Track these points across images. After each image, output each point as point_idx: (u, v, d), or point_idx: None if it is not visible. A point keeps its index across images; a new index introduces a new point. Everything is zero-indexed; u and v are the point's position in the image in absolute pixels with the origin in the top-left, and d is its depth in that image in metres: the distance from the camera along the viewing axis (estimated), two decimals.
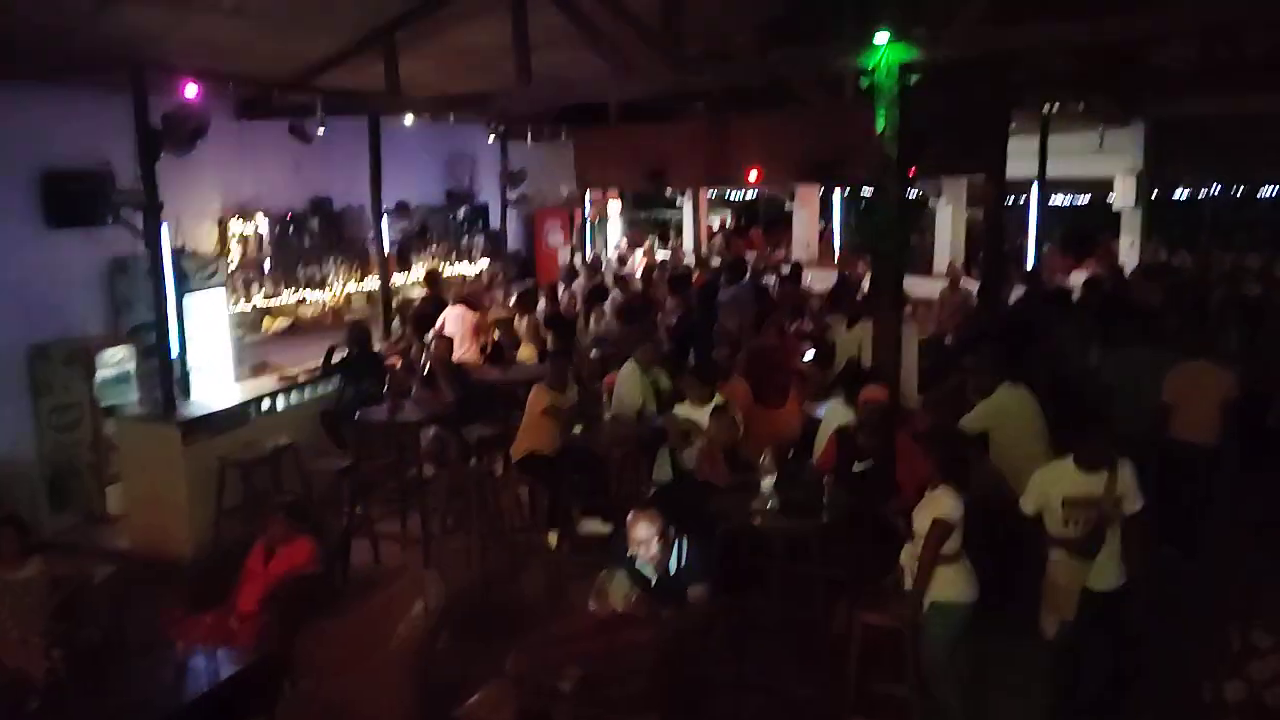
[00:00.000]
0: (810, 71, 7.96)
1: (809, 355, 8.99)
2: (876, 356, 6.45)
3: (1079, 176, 13.41)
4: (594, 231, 17.34)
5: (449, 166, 13.64)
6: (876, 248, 6.60)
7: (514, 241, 14.99)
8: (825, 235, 17.17)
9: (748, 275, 11.85)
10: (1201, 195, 15.24)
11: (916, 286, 12.56)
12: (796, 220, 16.98)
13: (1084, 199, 16.95)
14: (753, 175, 10.66)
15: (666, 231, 20.65)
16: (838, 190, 15.14)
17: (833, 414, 6.45)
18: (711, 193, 20.99)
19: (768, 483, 5.44)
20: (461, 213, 13.86)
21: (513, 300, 11.16)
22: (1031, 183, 12.20)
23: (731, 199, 23.98)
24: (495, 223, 13.83)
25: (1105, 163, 12.76)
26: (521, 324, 10.11)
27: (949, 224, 14.53)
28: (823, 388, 8.23)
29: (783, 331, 8.78)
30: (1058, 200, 16.90)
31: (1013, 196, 14.50)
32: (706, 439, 6.22)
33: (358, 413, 7.48)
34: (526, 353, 9.84)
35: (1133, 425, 6.24)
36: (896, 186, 6.17)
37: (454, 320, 9.82)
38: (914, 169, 6.84)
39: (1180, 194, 15.13)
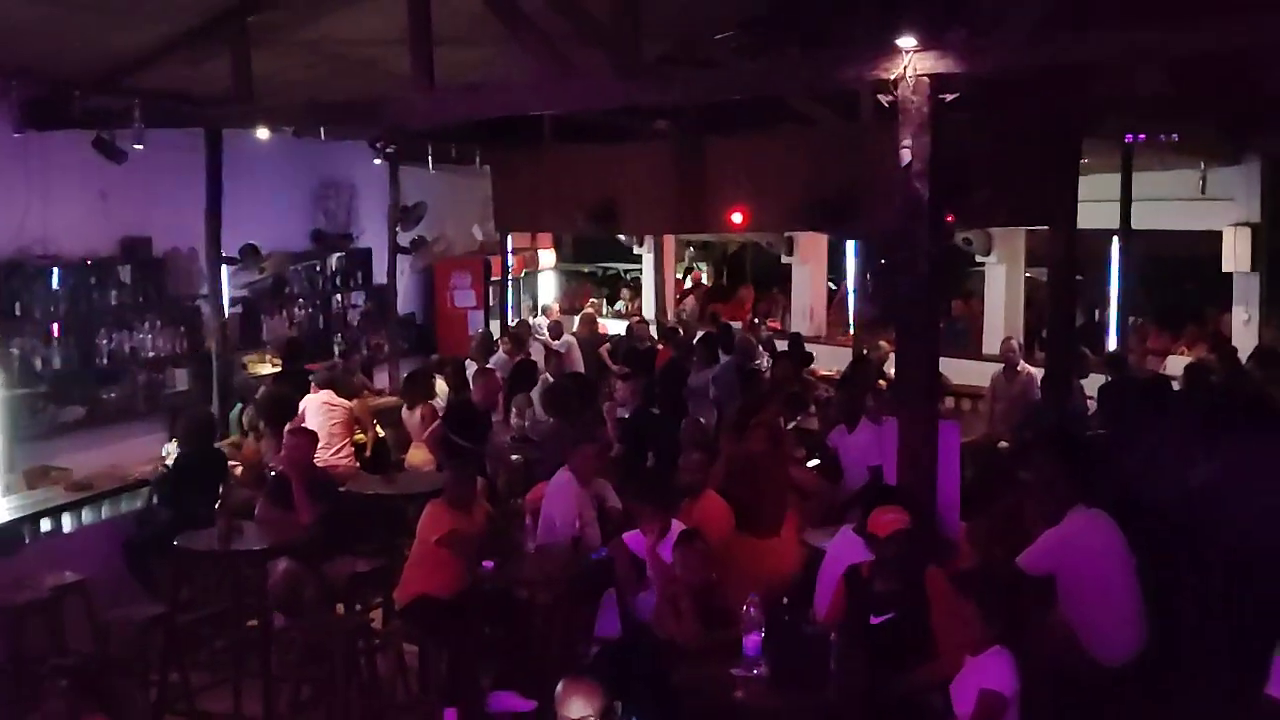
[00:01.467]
0: (811, 84, 8.18)
1: (812, 464, 9.09)
2: (902, 468, 6.56)
3: (1175, 228, 13.90)
4: (518, 290, 17.52)
5: (317, 199, 13.81)
6: (902, 320, 6.76)
7: (407, 302, 15.09)
8: (836, 300, 17.51)
9: (730, 352, 12.04)
10: None
11: (960, 372, 12.82)
12: (797, 279, 17.33)
13: (1183, 258, 17.51)
14: (736, 219, 10.92)
15: (618, 291, 20.93)
16: (850, 242, 15.48)
17: (843, 546, 6.49)
18: (683, 239, 21.39)
19: (753, 642, 5.44)
20: (334, 262, 13.97)
21: (401, 383, 11.19)
22: (1112, 236, 12.59)
23: (711, 245, 24.41)
24: (381, 276, 13.95)
25: (1209, 212, 13.20)
26: (413, 416, 10.13)
27: (1002, 289, 14.91)
28: (831, 510, 8.32)
29: (777, 431, 8.87)
30: (1148, 260, 17.39)
31: (1087, 255, 14.91)
32: (668, 581, 6.22)
33: (176, 539, 7.39)
34: (419, 456, 9.82)
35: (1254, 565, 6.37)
36: (928, 239, 6.35)
37: (318, 410, 9.82)
38: (953, 215, 7.03)
39: None
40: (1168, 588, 6.79)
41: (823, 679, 5.33)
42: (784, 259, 17.28)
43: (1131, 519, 6.53)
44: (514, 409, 10.74)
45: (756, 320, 16.41)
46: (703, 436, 8.76)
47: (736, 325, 16.31)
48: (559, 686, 4.21)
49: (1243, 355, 11.74)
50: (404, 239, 13.54)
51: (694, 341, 12.72)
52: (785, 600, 5.84)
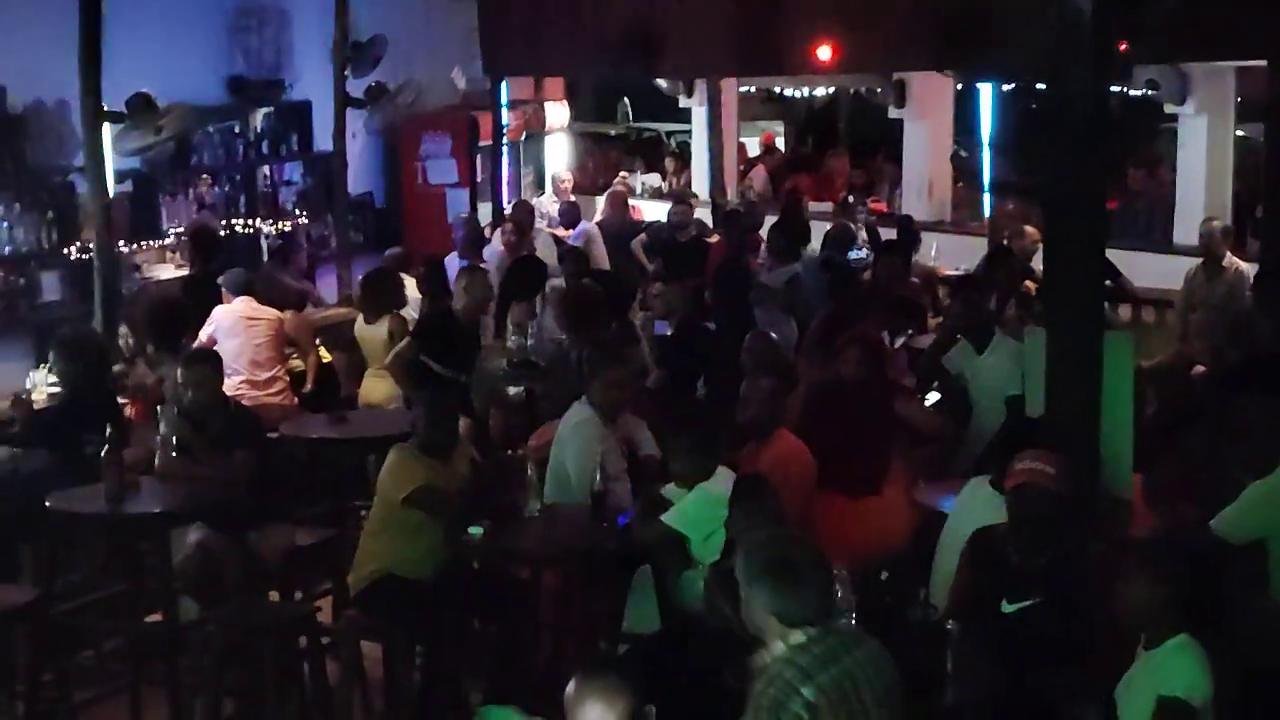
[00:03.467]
0: None
1: (930, 399, 9.12)
2: (1054, 401, 6.61)
3: None
4: (518, 160, 17.54)
5: (234, 33, 13.82)
6: (1054, 196, 6.79)
7: (361, 177, 15.14)
8: (964, 170, 17.44)
9: (814, 243, 12.03)
10: None
11: (1141, 270, 12.77)
12: (910, 141, 17.27)
13: None
14: (823, 54, 10.90)
15: (659, 159, 20.91)
16: (985, 86, 15.34)
17: (971, 506, 6.58)
18: (747, 87, 21.30)
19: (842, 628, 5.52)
20: (258, 121, 14.02)
21: (356, 289, 11.31)
22: None
23: (787, 98, 24.28)
24: (325, 140, 14.02)
25: None
26: (372, 333, 10.25)
27: (1202, 153, 14.78)
28: (954, 459, 8.38)
29: (879, 352, 8.93)
30: None
31: None
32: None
33: (47, 500, 7.52)
34: (380, 388, 9.93)
35: None
36: (1092, 77, 6.36)
37: (234, 326, 9.95)
38: (1126, 41, 7.02)
39: None
40: None
41: (934, 682, 5.42)
42: (892, 113, 17.17)
43: None
44: (511, 323, 10.80)
45: (853, 200, 16.35)
46: (774, 358, 8.82)
47: (825, 206, 16.35)
48: (570, 686, 4.33)
49: None
50: (356, 88, 13.55)
51: (764, 230, 12.71)
52: (885, 577, 5.92)
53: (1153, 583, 5.07)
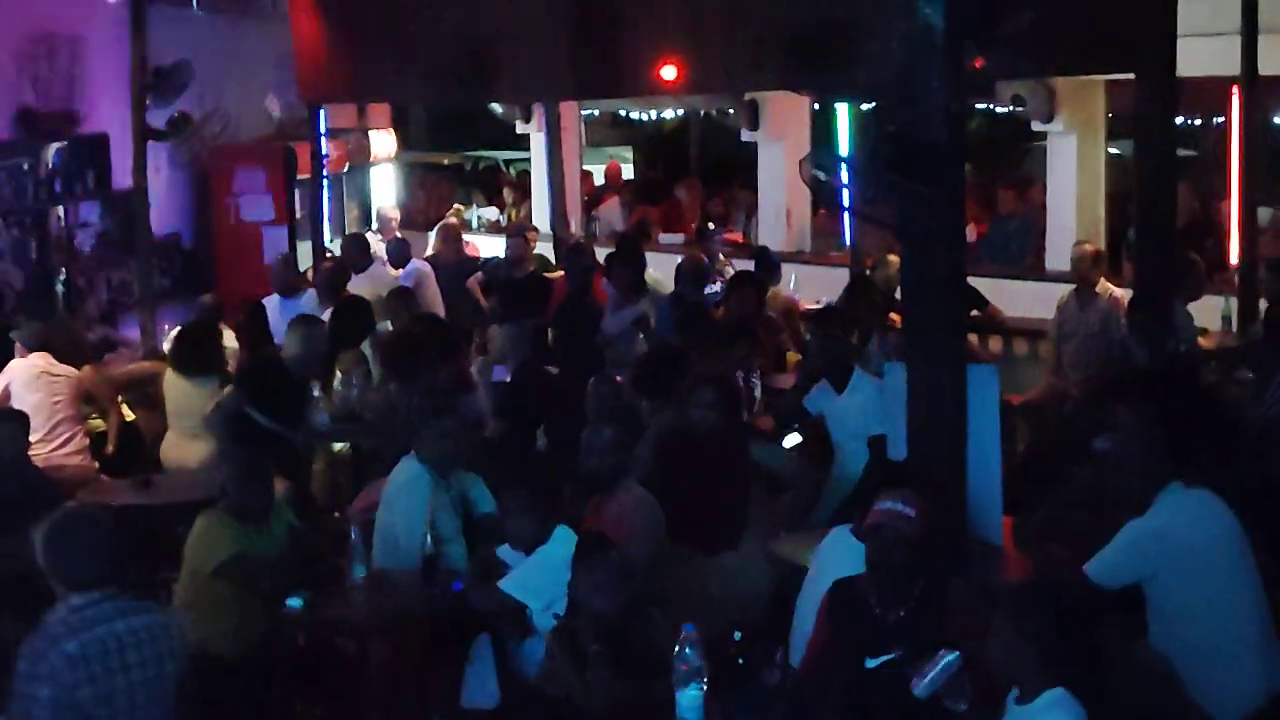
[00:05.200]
0: None
1: (789, 442, 9.18)
2: (915, 441, 6.68)
3: None
4: (341, 193, 17.44)
5: (22, 62, 13.60)
6: (911, 223, 6.88)
7: (167, 216, 14.95)
8: (824, 196, 17.56)
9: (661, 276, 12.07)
10: None
11: (1012, 297, 12.98)
12: (765, 166, 17.45)
13: None
14: (668, 73, 10.94)
15: (497, 190, 20.90)
16: (843, 106, 15.54)
17: (831, 556, 6.61)
18: (591, 111, 21.38)
19: (691, 700, 5.55)
20: (50, 157, 13.79)
21: (168, 341, 11.15)
22: (1231, 89, 12.79)
23: (636, 122, 24.42)
24: (125, 177, 13.83)
25: None
26: (191, 389, 10.11)
27: (1073, 173, 15.11)
28: (815, 507, 8.44)
29: (733, 394, 8.98)
30: None
31: (1199, 118, 15.15)
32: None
33: None
34: (189, 449, 9.84)
35: None
36: (948, 92, 6.46)
37: (30, 382, 9.84)
38: (982, 60, 7.15)
39: None
40: None
41: None
42: (745, 136, 17.35)
43: (1263, 508, 6.73)
44: (340, 371, 10.72)
45: (708, 229, 16.49)
46: (620, 404, 8.84)
47: (677, 238, 16.43)
48: None
49: None
50: (158, 118, 13.42)
51: (608, 264, 12.74)
52: (739, 637, 5.93)
53: (1022, 635, 5.12)
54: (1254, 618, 6.26)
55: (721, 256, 14.53)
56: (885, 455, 7.43)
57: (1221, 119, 13.35)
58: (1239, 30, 12.07)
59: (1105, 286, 11.55)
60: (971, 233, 15.66)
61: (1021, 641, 5.08)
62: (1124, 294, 11.20)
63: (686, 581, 7.34)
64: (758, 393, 10.06)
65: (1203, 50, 11.51)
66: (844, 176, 14.92)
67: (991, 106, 16.24)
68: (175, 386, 10.21)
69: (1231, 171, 13.30)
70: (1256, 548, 6.45)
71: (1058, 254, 14.15)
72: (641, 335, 11.48)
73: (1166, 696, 6.09)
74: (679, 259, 13.50)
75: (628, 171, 23.01)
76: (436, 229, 16.04)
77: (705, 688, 5.56)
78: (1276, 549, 6.70)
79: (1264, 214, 13.96)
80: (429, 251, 15.47)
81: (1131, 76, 10.49)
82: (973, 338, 11.32)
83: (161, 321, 12.25)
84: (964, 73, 6.65)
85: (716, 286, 12.86)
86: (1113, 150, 15.64)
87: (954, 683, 5.27)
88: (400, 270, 13.77)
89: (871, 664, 5.82)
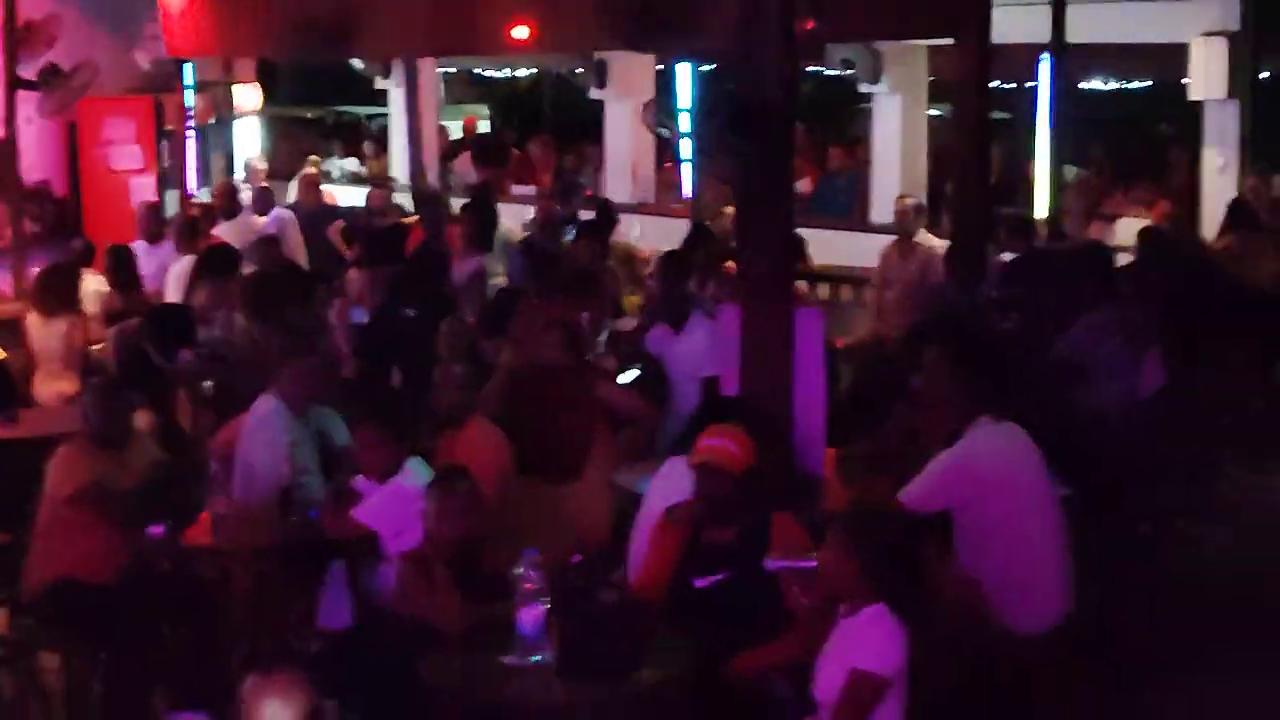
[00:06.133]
0: None
1: (627, 376, 9.28)
2: (746, 380, 6.80)
3: (1127, 41, 14.37)
4: (206, 144, 17.22)
5: None
6: (744, 177, 6.97)
7: (36, 165, 14.68)
8: (666, 153, 17.68)
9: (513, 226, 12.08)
10: None
11: (840, 248, 13.14)
12: (611, 123, 17.50)
13: (1139, 85, 18.25)
14: (520, 33, 10.89)
15: (356, 144, 20.73)
16: (685, 65, 15.56)
17: (665, 485, 6.66)
18: (448, 69, 21.24)
19: (532, 618, 5.60)
20: None
21: (34, 283, 11.02)
22: (1040, 54, 13.03)
23: (493, 80, 24.30)
24: None
25: (1170, 18, 13.75)
26: (48, 330, 10.03)
27: (897, 132, 15.31)
28: (654, 441, 8.55)
29: (577, 335, 9.02)
30: (1092, 86, 18.08)
31: (1013, 82, 15.39)
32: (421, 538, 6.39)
33: None
34: (55, 386, 9.77)
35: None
36: (780, 54, 6.55)
37: None
38: (813, 19, 7.22)
39: None
40: (1104, 532, 7.27)
41: (629, 664, 5.54)
42: (594, 94, 17.39)
43: (1056, 440, 6.94)
44: (199, 309, 10.64)
45: (566, 183, 16.50)
46: (469, 344, 8.89)
47: (528, 190, 16.42)
48: (245, 685, 4.32)
49: (1218, 213, 12.40)
50: (27, 69, 13.17)
51: (462, 213, 12.73)
52: (578, 561, 6.02)
53: (847, 556, 5.28)
54: (1051, 543, 6.44)
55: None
56: (717, 393, 7.55)
57: (1033, 84, 13.50)
58: (1050, 1, 12.36)
59: (925, 238, 11.75)
60: (805, 187, 15.90)
61: (847, 562, 5.25)
62: (942, 245, 11.41)
63: (533, 510, 7.39)
64: (604, 335, 10.13)
65: (1017, 19, 11.70)
66: (683, 132, 15.17)
67: (823, 70, 16.33)
68: (35, 326, 10.19)
69: (1041, 131, 13.54)
70: (1060, 480, 6.71)
71: (882, 208, 14.35)
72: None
73: (972, 612, 6.25)
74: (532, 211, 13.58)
75: (485, 128, 22.90)
76: (297, 178, 15.90)
77: (546, 608, 5.66)
78: (1072, 479, 6.93)
79: (1070, 172, 14.34)
80: (290, 199, 15.36)
81: (951, 42, 10.66)
82: (802, 284, 11.44)
83: (31, 266, 12.04)
84: (795, 36, 6.72)
85: (569, 234, 12.90)
86: (934, 112, 15.84)
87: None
88: (266, 217, 13.66)
89: (699, 584, 5.98)
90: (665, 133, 17.83)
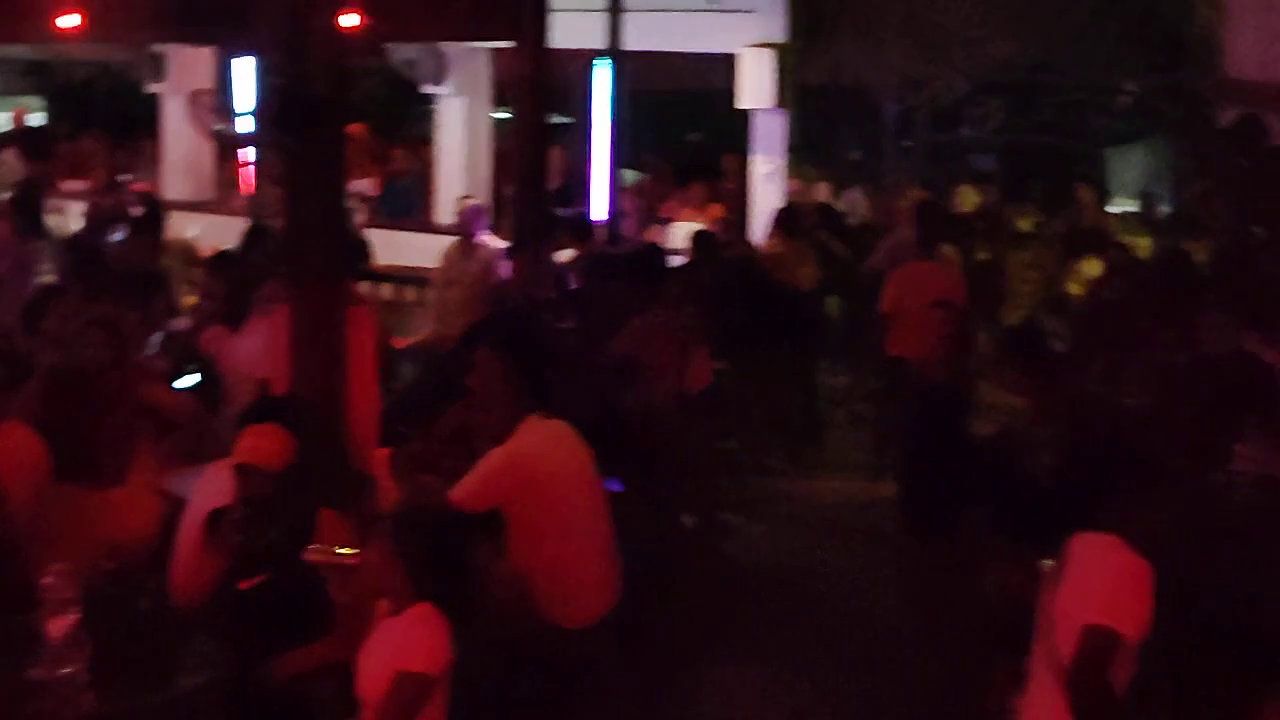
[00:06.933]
0: None
1: (184, 382, 9.02)
2: (297, 379, 6.74)
3: (681, 50, 14.78)
4: None
5: None
6: (292, 175, 6.94)
7: None
8: (229, 147, 17.31)
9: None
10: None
11: (401, 248, 13.10)
12: (170, 118, 17.11)
13: (696, 91, 18.66)
14: (68, 22, 10.47)
15: None
16: (246, 61, 15.28)
17: (209, 489, 6.48)
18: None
19: (60, 628, 5.31)
20: None
21: None
22: (597, 60, 13.28)
23: (44, 71, 23.39)
24: None
25: (719, 28, 14.19)
26: None
27: (460, 134, 15.37)
28: (204, 445, 8.30)
29: (117, 336, 8.68)
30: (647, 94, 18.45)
31: (577, 87, 15.61)
32: None
33: None
34: None
35: None
36: (327, 52, 6.46)
37: None
38: (363, 17, 7.16)
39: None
40: (651, 526, 7.41)
41: (164, 671, 5.39)
42: (151, 88, 16.92)
43: (606, 438, 7.03)
44: None
45: (119, 179, 15.97)
46: (9, 346, 8.55)
47: (79, 185, 15.88)
48: None
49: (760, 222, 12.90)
50: None
51: (9, 208, 12.20)
52: (113, 568, 5.83)
53: (390, 554, 5.20)
54: (598, 538, 6.56)
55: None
56: (268, 394, 7.38)
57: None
58: (607, 8, 12.56)
59: (485, 238, 11.86)
60: (372, 188, 15.84)
61: (392, 561, 5.15)
62: (504, 245, 11.50)
63: (72, 517, 7.03)
64: (158, 336, 9.81)
65: (576, 25, 11.84)
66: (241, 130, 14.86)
67: (390, 69, 16.30)
68: None
69: (597, 135, 13.76)
70: (610, 475, 6.84)
71: (446, 209, 14.37)
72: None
73: (520, 608, 6.29)
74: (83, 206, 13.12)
75: (39, 120, 22.19)
76: None
77: (78, 617, 5.39)
78: (621, 475, 7.04)
79: (629, 175, 14.65)
80: None
81: (514, 45, 10.74)
82: (366, 284, 11.38)
83: None
84: (344, 32, 6.64)
85: (120, 234, 12.48)
86: (500, 115, 15.92)
87: None
88: None
89: (242, 586, 5.84)
90: (220, 128, 17.47)
